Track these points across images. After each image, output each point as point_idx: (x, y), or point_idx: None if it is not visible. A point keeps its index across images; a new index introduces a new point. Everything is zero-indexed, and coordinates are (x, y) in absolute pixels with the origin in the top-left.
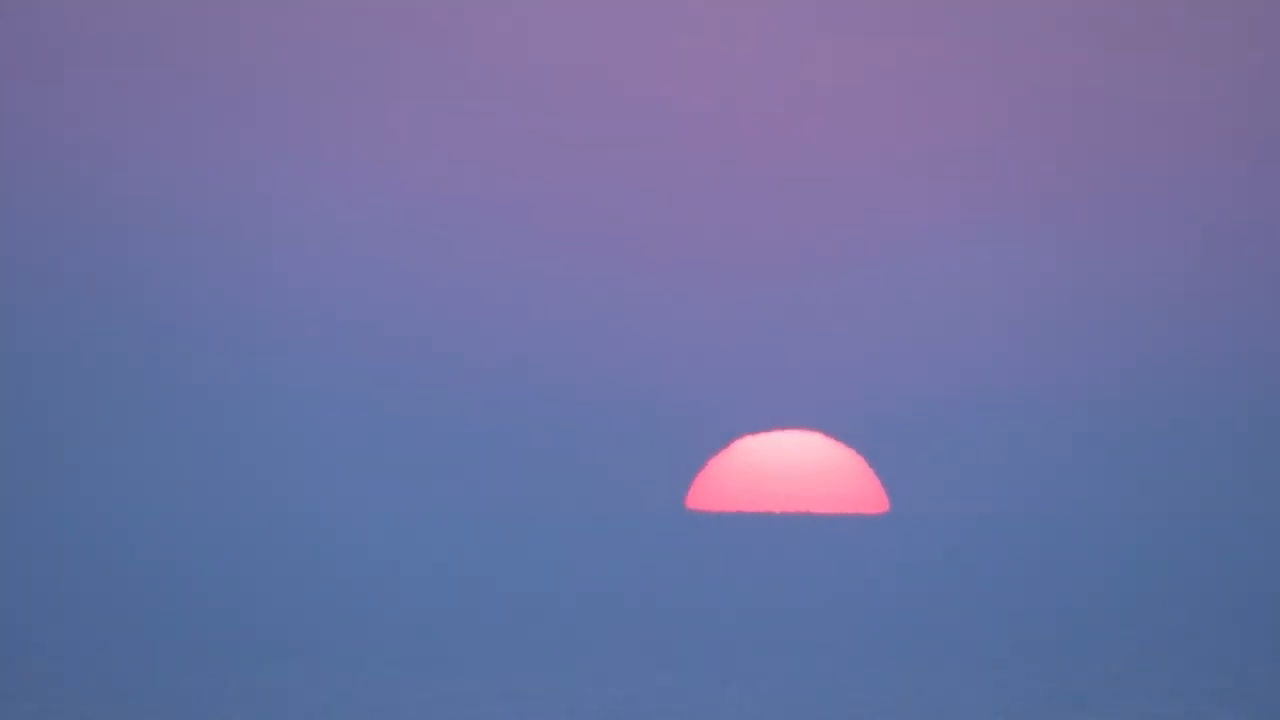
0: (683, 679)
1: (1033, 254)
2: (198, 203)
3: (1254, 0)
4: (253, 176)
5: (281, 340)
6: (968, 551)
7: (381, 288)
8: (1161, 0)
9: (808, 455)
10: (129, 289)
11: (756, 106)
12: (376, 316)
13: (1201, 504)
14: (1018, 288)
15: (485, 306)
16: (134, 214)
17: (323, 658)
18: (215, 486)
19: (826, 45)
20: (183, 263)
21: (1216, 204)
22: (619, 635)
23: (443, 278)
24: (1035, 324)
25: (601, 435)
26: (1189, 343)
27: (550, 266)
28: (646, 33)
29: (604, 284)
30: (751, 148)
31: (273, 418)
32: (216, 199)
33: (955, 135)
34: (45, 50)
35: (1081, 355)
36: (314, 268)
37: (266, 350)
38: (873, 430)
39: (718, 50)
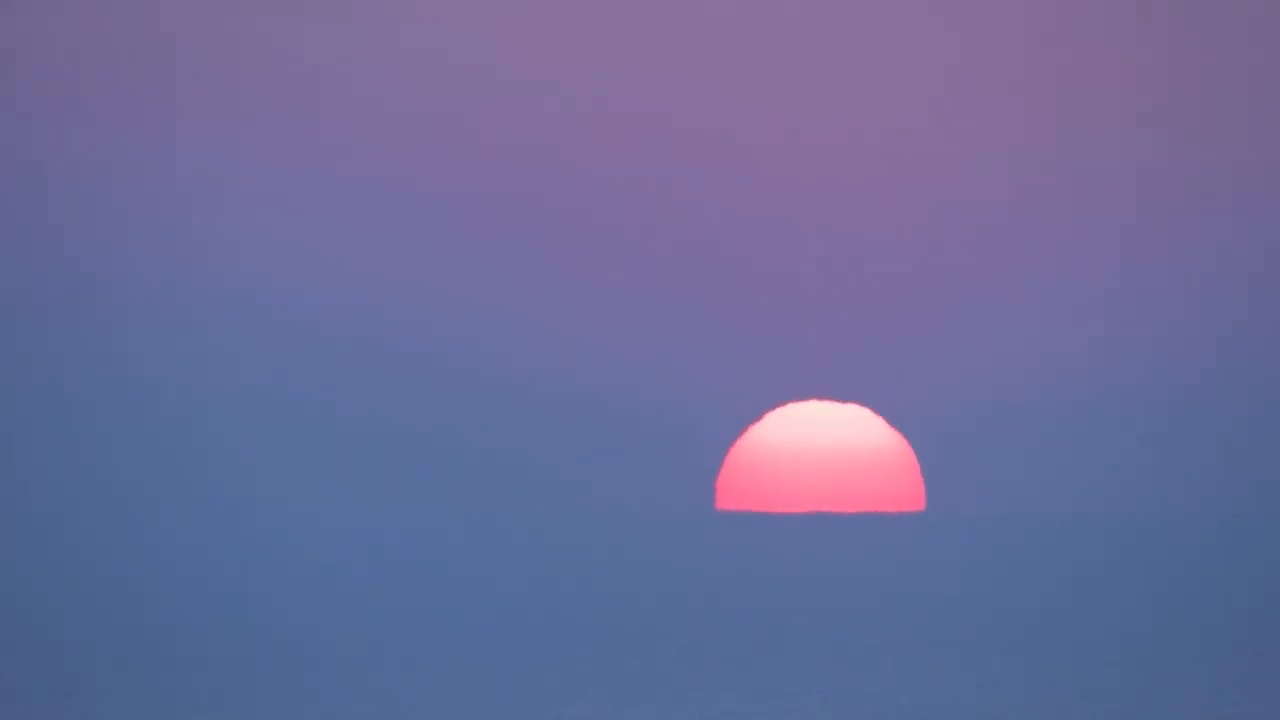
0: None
1: (1104, 256)
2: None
3: None
4: (252, 177)
5: (294, 344)
6: (1020, 557)
7: (397, 288)
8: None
9: (844, 438)
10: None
11: (804, 85)
12: (391, 316)
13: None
14: (1088, 288)
15: (499, 307)
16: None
17: (351, 660)
18: (229, 489)
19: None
20: (166, 263)
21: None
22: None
23: (459, 280)
24: (1097, 325)
25: (626, 422)
26: (1254, 349)
27: (565, 259)
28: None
29: (623, 267)
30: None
31: (289, 420)
32: (200, 200)
33: (1047, 131)
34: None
35: (1146, 358)
36: (326, 268)
37: (281, 359)
38: (920, 416)
39: (747, 36)
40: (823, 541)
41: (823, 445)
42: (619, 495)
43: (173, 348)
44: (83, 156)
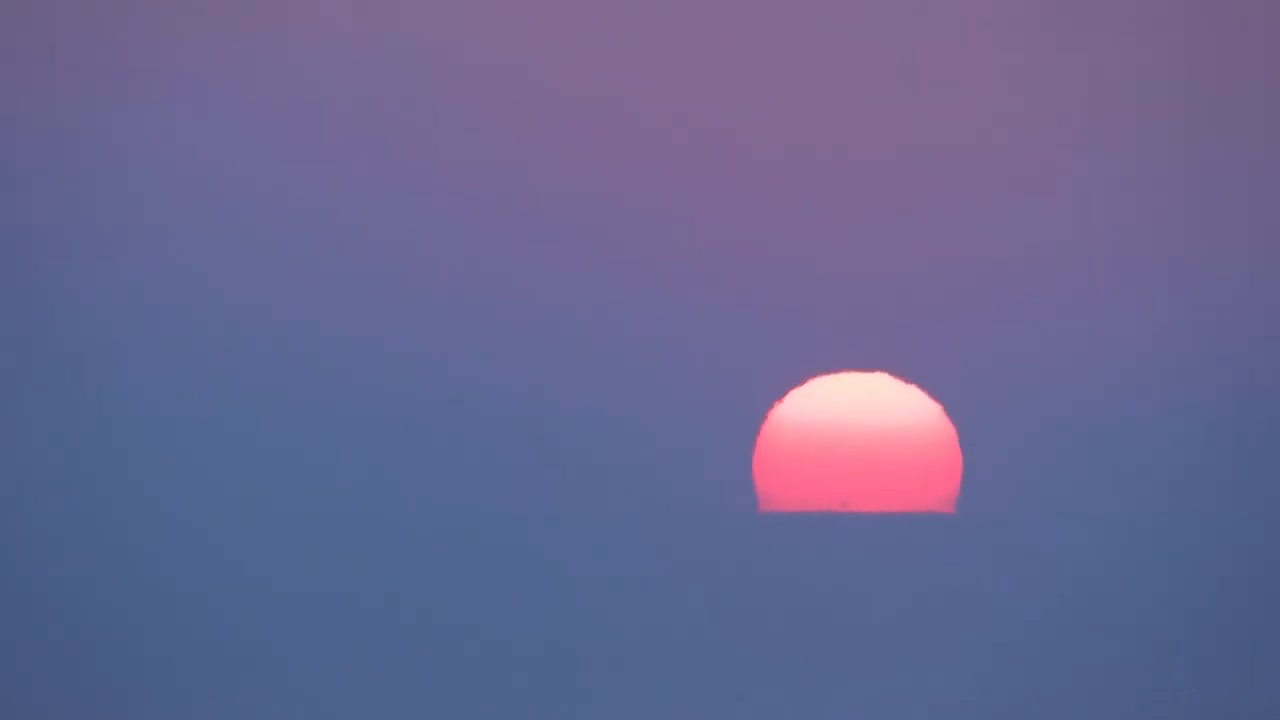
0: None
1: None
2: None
3: None
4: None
5: (299, 347)
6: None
7: (404, 290)
8: None
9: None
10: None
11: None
12: (409, 319)
13: None
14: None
15: (503, 307)
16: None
17: (386, 669)
18: (228, 492)
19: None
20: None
21: None
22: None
23: (470, 283)
24: (1169, 327)
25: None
26: None
27: (570, 252)
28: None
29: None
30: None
31: (298, 419)
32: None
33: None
34: None
35: (1215, 364)
36: (338, 271)
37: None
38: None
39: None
40: (858, 545)
41: (863, 431)
42: (648, 495)
43: (171, 347)
44: (63, 151)
